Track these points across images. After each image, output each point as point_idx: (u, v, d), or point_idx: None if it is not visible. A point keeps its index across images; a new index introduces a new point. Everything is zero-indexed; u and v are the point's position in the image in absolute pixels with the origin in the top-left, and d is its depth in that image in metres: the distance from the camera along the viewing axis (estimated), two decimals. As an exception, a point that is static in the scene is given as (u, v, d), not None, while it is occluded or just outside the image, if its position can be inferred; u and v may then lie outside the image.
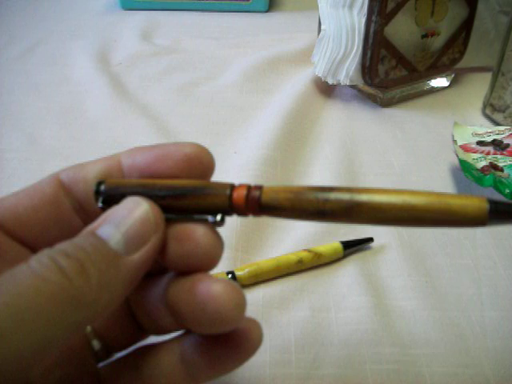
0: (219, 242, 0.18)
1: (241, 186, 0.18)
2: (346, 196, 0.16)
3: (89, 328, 0.21)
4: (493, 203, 0.15)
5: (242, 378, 0.26)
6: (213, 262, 0.18)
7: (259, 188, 0.18)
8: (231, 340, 0.19)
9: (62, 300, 0.14)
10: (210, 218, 0.18)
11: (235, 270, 0.31)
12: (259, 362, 0.27)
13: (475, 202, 0.15)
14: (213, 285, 0.17)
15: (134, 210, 0.17)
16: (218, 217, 0.18)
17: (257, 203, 0.17)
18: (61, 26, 0.70)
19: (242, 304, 0.17)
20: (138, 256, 0.16)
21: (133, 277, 0.17)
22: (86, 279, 0.15)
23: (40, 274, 0.14)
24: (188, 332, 0.20)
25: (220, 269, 0.19)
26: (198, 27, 0.69)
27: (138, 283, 0.17)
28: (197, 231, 0.18)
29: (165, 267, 0.19)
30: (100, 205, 0.18)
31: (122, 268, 0.16)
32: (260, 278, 0.31)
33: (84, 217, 0.20)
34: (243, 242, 0.34)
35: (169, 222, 0.18)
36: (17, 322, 0.13)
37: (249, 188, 0.18)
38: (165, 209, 0.18)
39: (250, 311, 0.18)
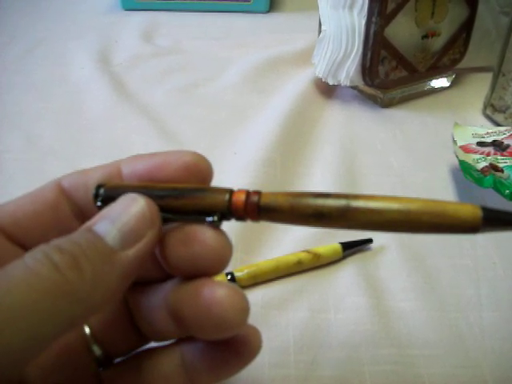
0: (228, 244, 0.18)
1: (240, 190, 0.18)
2: (342, 201, 0.16)
3: (87, 330, 0.21)
4: (486, 210, 0.15)
5: (241, 380, 0.26)
6: (222, 264, 0.18)
7: (258, 193, 0.18)
8: (231, 346, 0.19)
9: (55, 295, 0.14)
10: (207, 218, 0.18)
11: (234, 270, 0.31)
12: (258, 363, 0.26)
13: (469, 208, 0.15)
14: (217, 289, 0.17)
15: (130, 206, 0.17)
16: (216, 217, 0.18)
17: (256, 206, 0.17)
18: (61, 26, 0.69)
19: (245, 308, 0.17)
20: (133, 252, 0.17)
21: (127, 272, 0.17)
22: (79, 274, 0.15)
23: (33, 269, 0.14)
24: (189, 337, 0.20)
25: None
26: (199, 28, 0.69)
27: (132, 280, 0.17)
28: (205, 233, 0.18)
29: (166, 275, 0.19)
30: (98, 203, 0.18)
31: (116, 263, 0.16)
32: (259, 279, 0.31)
33: (84, 222, 0.20)
34: (242, 243, 0.34)
35: (166, 221, 0.18)
36: (9, 317, 0.13)
37: (248, 193, 0.18)
38: (163, 209, 0.18)
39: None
